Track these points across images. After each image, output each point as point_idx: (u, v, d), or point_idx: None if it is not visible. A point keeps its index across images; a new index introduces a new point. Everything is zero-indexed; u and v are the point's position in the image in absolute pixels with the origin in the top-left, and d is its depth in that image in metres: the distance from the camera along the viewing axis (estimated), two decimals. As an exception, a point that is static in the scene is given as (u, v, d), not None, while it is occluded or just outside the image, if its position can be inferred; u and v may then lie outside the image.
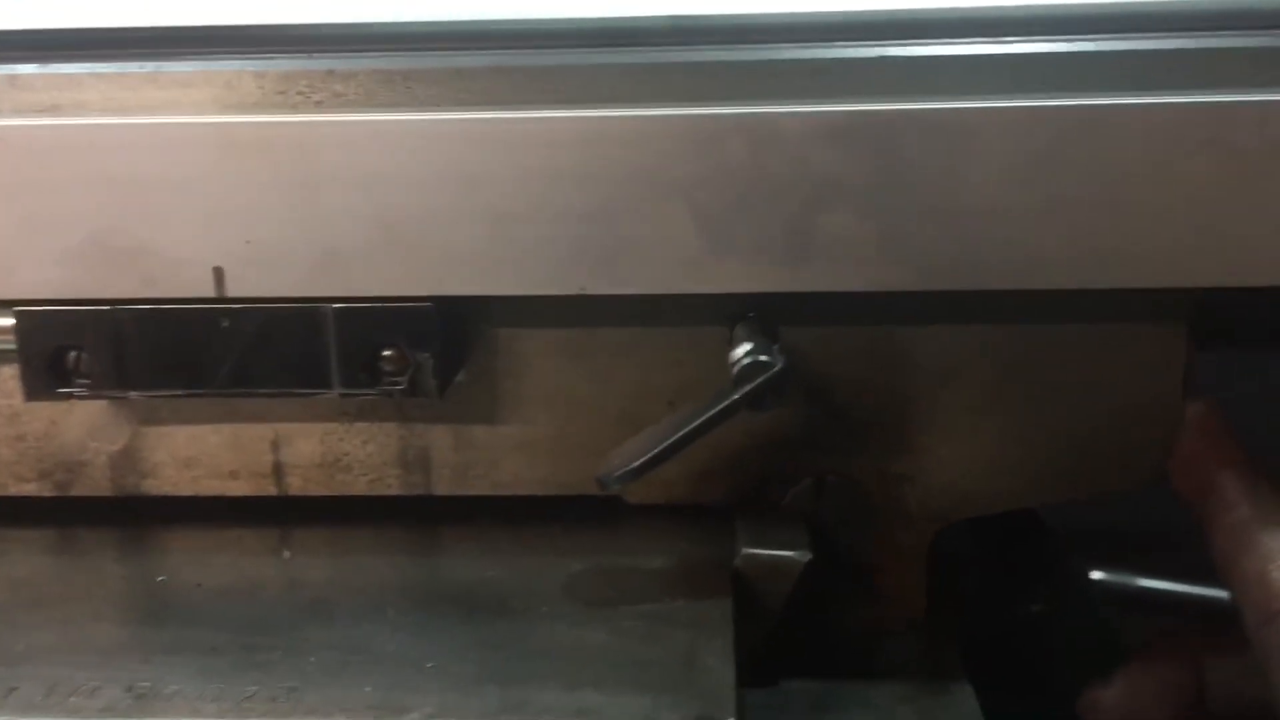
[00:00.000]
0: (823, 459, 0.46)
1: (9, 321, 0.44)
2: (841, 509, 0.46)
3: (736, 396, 0.39)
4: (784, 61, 0.43)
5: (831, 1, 0.47)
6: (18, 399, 0.47)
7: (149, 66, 0.45)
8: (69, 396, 0.44)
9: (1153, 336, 0.44)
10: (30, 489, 0.48)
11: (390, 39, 0.46)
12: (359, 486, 0.47)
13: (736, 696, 0.34)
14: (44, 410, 0.47)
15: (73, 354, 0.44)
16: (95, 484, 0.48)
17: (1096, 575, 0.67)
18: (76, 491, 0.48)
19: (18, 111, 0.44)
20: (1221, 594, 0.69)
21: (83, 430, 0.48)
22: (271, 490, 0.47)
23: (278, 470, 0.48)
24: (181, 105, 0.44)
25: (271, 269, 0.43)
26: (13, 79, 0.44)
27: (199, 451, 0.48)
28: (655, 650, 0.37)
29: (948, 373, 0.45)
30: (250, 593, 0.42)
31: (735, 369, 0.40)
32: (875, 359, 0.45)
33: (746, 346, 0.40)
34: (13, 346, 0.44)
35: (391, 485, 0.47)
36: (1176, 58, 0.43)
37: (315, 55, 0.45)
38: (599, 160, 0.42)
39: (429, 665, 0.37)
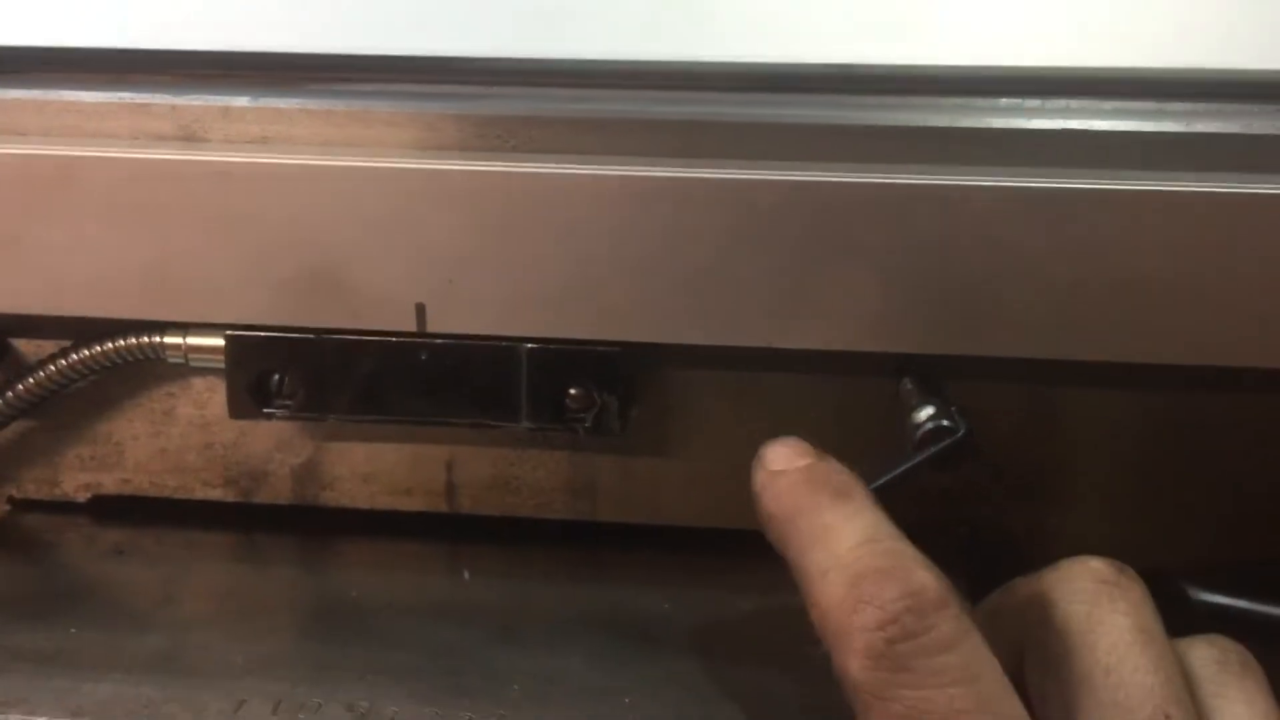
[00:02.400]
0: (976, 509, 0.49)
1: (218, 343, 0.47)
2: (992, 559, 0.49)
3: (920, 460, 0.43)
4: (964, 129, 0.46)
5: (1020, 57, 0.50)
6: (209, 410, 0.51)
7: (356, 104, 0.48)
8: (270, 416, 0.48)
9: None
10: (216, 494, 0.52)
11: (586, 75, 0.49)
12: (526, 509, 0.51)
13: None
14: (233, 422, 0.51)
15: (276, 377, 0.47)
16: (277, 493, 0.52)
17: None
18: (259, 499, 0.52)
19: (230, 142, 0.47)
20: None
21: (270, 442, 0.51)
22: (443, 508, 0.51)
23: (450, 489, 0.51)
24: (386, 144, 0.47)
25: (470, 308, 0.46)
26: (226, 110, 0.48)
27: (377, 468, 0.51)
28: (824, 693, 0.40)
29: (1104, 435, 0.48)
30: (438, 614, 0.45)
31: (919, 433, 0.43)
32: (1032, 417, 0.48)
33: (929, 410, 0.43)
34: (219, 366, 0.48)
35: (557, 509, 0.51)
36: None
37: (513, 96, 0.49)
38: (790, 222, 0.45)
39: (626, 700, 0.40)
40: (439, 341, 0.46)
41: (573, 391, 0.47)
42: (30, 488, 0.53)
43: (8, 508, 0.53)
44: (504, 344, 0.46)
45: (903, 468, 0.42)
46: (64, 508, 0.52)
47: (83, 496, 0.52)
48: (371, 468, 0.51)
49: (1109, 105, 0.49)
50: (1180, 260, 0.44)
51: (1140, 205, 0.44)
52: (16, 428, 0.51)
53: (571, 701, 0.40)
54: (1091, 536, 0.49)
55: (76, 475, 0.52)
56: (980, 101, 0.49)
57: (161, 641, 0.43)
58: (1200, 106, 0.49)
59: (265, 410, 0.47)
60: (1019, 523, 0.49)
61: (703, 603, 0.46)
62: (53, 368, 0.49)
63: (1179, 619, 0.60)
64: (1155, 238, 0.44)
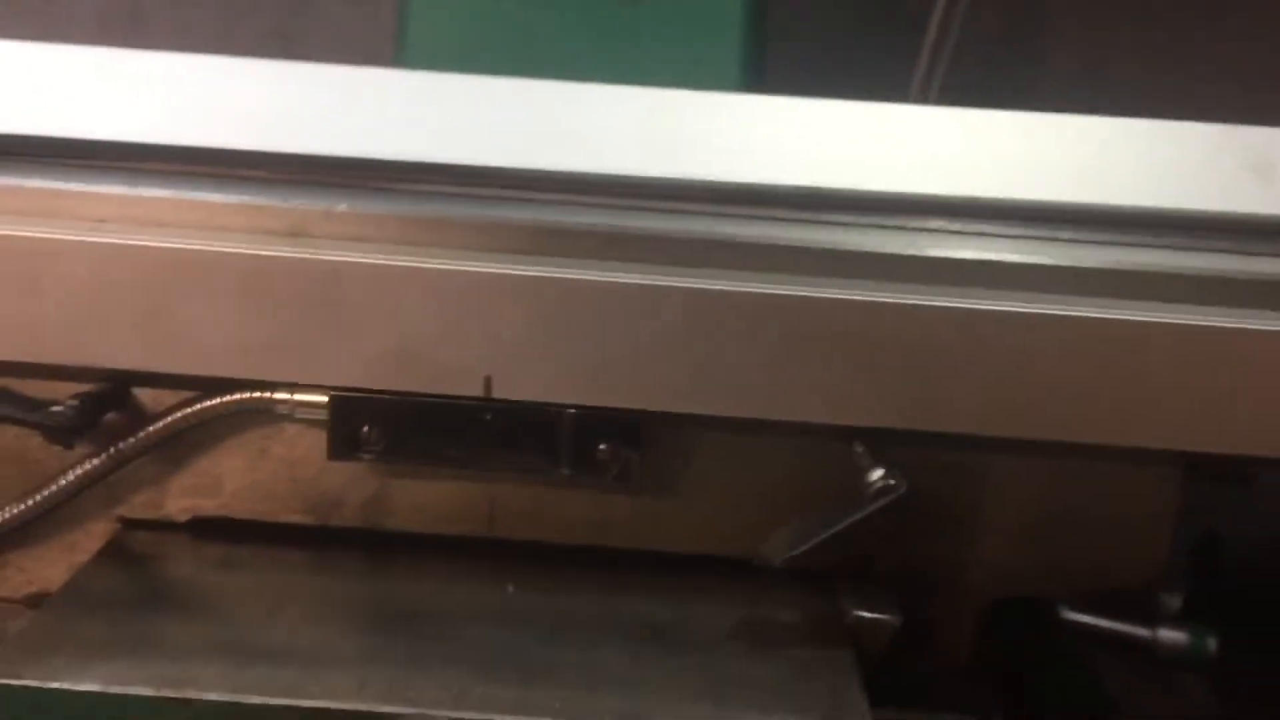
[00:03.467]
0: (906, 544, 0.64)
1: (320, 399, 0.60)
2: (911, 583, 0.64)
3: (871, 510, 0.57)
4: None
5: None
6: (296, 450, 0.63)
7: (429, 211, 0.61)
8: (360, 459, 0.60)
9: (1151, 475, 0.63)
10: (296, 518, 0.64)
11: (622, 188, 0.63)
12: (553, 535, 0.64)
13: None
14: (314, 460, 0.63)
15: (365, 428, 0.60)
16: (347, 518, 0.64)
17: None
18: (333, 523, 0.64)
19: (332, 239, 0.60)
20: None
21: (343, 478, 0.64)
22: (485, 532, 0.64)
23: (491, 518, 0.64)
24: (456, 246, 0.60)
25: (526, 380, 0.59)
26: (327, 214, 0.60)
27: (431, 499, 0.64)
28: (811, 686, 0.55)
29: (1002, 488, 0.63)
30: (503, 621, 0.58)
31: (872, 488, 0.58)
32: (949, 474, 0.63)
33: (880, 471, 0.58)
34: (316, 418, 0.60)
35: (579, 536, 0.64)
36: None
37: (549, 204, 0.62)
38: (770, 324, 0.59)
39: (652, 684, 0.54)
40: (501, 405, 0.59)
41: (602, 447, 0.60)
42: (138, 510, 0.64)
43: (119, 526, 0.64)
44: (552, 408, 0.59)
45: (860, 514, 0.57)
46: (168, 526, 0.64)
47: (184, 517, 0.64)
48: (425, 499, 0.64)
49: (1011, 231, 0.65)
50: (1058, 364, 0.59)
51: (1029, 323, 0.59)
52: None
53: (613, 687, 0.53)
54: (989, 566, 0.64)
55: (179, 500, 0.64)
56: (932, 224, 0.64)
57: (286, 633, 0.55)
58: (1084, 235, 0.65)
59: (356, 455, 0.60)
60: (939, 552, 0.64)
61: (705, 614, 0.60)
62: (178, 415, 0.60)
63: (1052, 637, 0.75)
64: (1044, 347, 0.59)
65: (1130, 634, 1.15)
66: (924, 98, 1.16)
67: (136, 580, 0.60)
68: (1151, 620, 1.08)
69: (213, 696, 0.50)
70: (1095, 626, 1.21)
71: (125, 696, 0.50)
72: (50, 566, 0.64)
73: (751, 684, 0.54)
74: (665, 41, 1.00)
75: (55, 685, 0.49)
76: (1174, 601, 1.19)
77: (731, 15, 1.00)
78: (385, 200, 0.61)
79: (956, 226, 0.66)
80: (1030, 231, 0.65)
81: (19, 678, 0.50)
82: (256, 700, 0.50)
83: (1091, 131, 0.69)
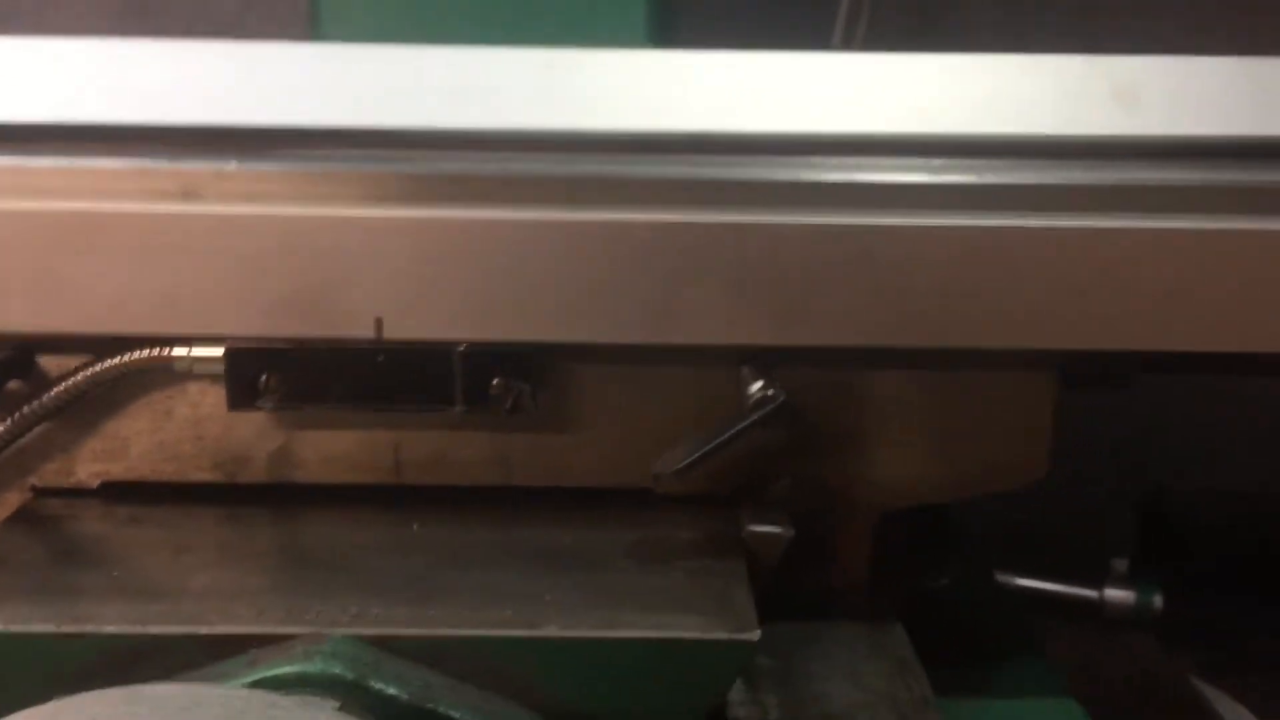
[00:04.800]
0: (798, 463, 0.66)
1: (217, 353, 0.62)
2: (810, 499, 0.66)
3: (752, 420, 0.59)
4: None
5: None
6: (201, 409, 0.65)
7: (318, 167, 0.63)
8: (259, 409, 0.62)
9: (1027, 380, 0.66)
10: (205, 476, 0.66)
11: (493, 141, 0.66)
12: (457, 478, 0.66)
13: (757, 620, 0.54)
14: (219, 417, 0.65)
15: (263, 378, 0.62)
16: (255, 474, 0.66)
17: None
18: (241, 479, 0.66)
19: (222, 198, 0.62)
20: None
21: (249, 433, 0.66)
22: (392, 480, 0.66)
23: (398, 465, 0.66)
24: (348, 198, 0.62)
25: (415, 320, 0.61)
26: (219, 173, 0.62)
27: (336, 450, 0.66)
28: (699, 591, 0.57)
29: (886, 403, 0.66)
30: (397, 552, 0.60)
31: (751, 400, 0.60)
32: (836, 393, 0.66)
33: (759, 384, 0.60)
34: (219, 371, 0.62)
35: (481, 478, 0.66)
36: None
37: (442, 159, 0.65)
38: (657, 254, 0.61)
39: (547, 598, 0.56)
40: (393, 346, 0.61)
41: (494, 381, 0.62)
42: (49, 478, 0.66)
43: (31, 495, 0.66)
44: (443, 346, 0.62)
45: (739, 426, 0.59)
46: (79, 493, 0.65)
47: (94, 483, 0.66)
48: (334, 450, 0.66)
49: (895, 162, 0.67)
50: (932, 273, 0.62)
51: (901, 235, 0.62)
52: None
53: (506, 603, 0.55)
54: (877, 478, 0.66)
55: (89, 465, 0.66)
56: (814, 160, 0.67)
57: (190, 575, 0.57)
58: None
59: (256, 404, 0.62)
60: (830, 473, 0.66)
61: (601, 539, 0.62)
62: (78, 378, 0.62)
63: (993, 599, 0.77)
64: (917, 257, 0.62)
65: (1075, 595, 1.18)
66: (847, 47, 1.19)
67: (44, 540, 0.62)
68: (1098, 581, 1.11)
69: (111, 629, 0.51)
70: (1041, 590, 1.24)
71: (27, 634, 0.51)
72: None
73: (643, 593, 0.56)
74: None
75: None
76: (1121, 564, 1.22)
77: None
78: (275, 161, 0.63)
79: (834, 161, 0.68)
80: (904, 161, 0.68)
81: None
82: (156, 630, 0.52)
83: (972, 68, 0.72)
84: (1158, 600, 1.16)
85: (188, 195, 0.62)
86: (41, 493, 0.65)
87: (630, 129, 0.68)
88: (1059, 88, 0.72)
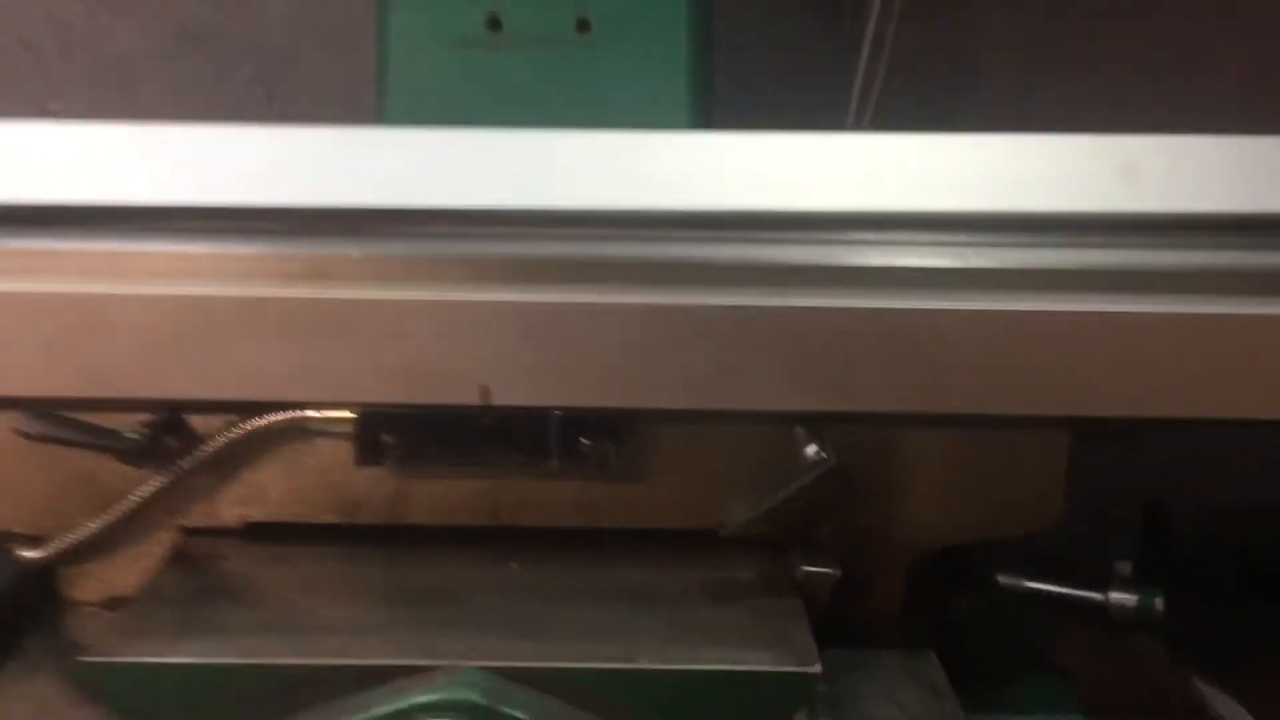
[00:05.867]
0: (841, 511, 0.77)
1: (349, 414, 0.72)
2: (851, 542, 0.76)
3: (808, 480, 0.70)
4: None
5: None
6: (327, 460, 0.76)
7: (426, 249, 0.73)
8: (383, 464, 0.73)
9: (1044, 438, 0.76)
10: (331, 519, 0.77)
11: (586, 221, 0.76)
12: (547, 520, 0.77)
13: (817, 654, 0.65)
14: (342, 467, 0.76)
15: (385, 437, 0.73)
16: (372, 516, 0.77)
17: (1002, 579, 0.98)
18: (360, 521, 0.77)
19: (347, 280, 0.72)
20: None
21: (368, 481, 0.76)
22: (491, 522, 0.77)
23: (495, 509, 0.77)
24: (455, 280, 0.73)
25: (518, 388, 0.72)
26: (344, 259, 0.73)
27: (443, 496, 0.77)
28: (765, 627, 0.67)
29: (919, 459, 0.76)
30: (510, 591, 0.71)
31: (808, 462, 0.70)
32: (875, 450, 0.76)
33: (814, 447, 0.71)
34: (349, 430, 0.73)
35: (569, 522, 0.77)
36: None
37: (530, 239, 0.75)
38: (717, 332, 0.72)
39: (635, 634, 0.66)
40: (497, 411, 0.72)
41: (583, 440, 0.73)
42: (198, 519, 0.77)
43: (181, 534, 0.76)
44: (539, 411, 0.72)
45: (799, 484, 0.70)
46: (223, 532, 0.76)
47: (237, 524, 0.76)
48: (441, 496, 0.76)
49: (917, 239, 0.77)
50: (960, 349, 0.72)
51: (933, 318, 0.72)
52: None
53: (602, 637, 0.66)
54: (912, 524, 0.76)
55: (233, 509, 0.76)
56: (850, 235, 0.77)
57: (328, 611, 0.68)
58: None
59: (382, 461, 0.72)
60: (869, 519, 0.77)
61: (668, 577, 0.72)
62: (229, 435, 0.73)
63: (989, 599, 0.87)
64: (947, 335, 0.72)
65: (1083, 598, 1.29)
66: (861, 119, 1.29)
67: (202, 578, 0.72)
68: (1104, 585, 1.22)
69: (281, 661, 0.62)
70: (1048, 592, 1.35)
71: (214, 665, 0.62)
72: (123, 572, 0.76)
73: (716, 630, 0.67)
74: (618, 76, 1.13)
75: (152, 660, 0.62)
76: (1125, 567, 1.32)
77: (677, 47, 1.12)
78: (389, 243, 0.73)
79: (870, 237, 0.78)
80: (930, 238, 0.78)
81: (118, 656, 0.62)
82: (316, 662, 0.62)
83: (983, 147, 0.82)
84: (1159, 603, 1.26)
85: (318, 277, 0.72)
86: (191, 532, 0.76)
87: (694, 208, 0.78)
88: (1065, 166, 0.82)
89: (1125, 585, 1.27)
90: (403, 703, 0.59)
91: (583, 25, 1.09)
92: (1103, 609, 1.24)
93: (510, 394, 0.72)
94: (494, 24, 1.10)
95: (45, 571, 0.76)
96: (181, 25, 1.58)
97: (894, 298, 0.72)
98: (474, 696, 0.59)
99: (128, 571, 0.76)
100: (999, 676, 0.77)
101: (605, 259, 0.74)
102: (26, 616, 0.76)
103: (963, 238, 0.78)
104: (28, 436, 0.70)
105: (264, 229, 0.75)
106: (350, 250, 0.73)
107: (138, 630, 0.64)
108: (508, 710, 0.59)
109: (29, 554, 0.75)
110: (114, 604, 0.75)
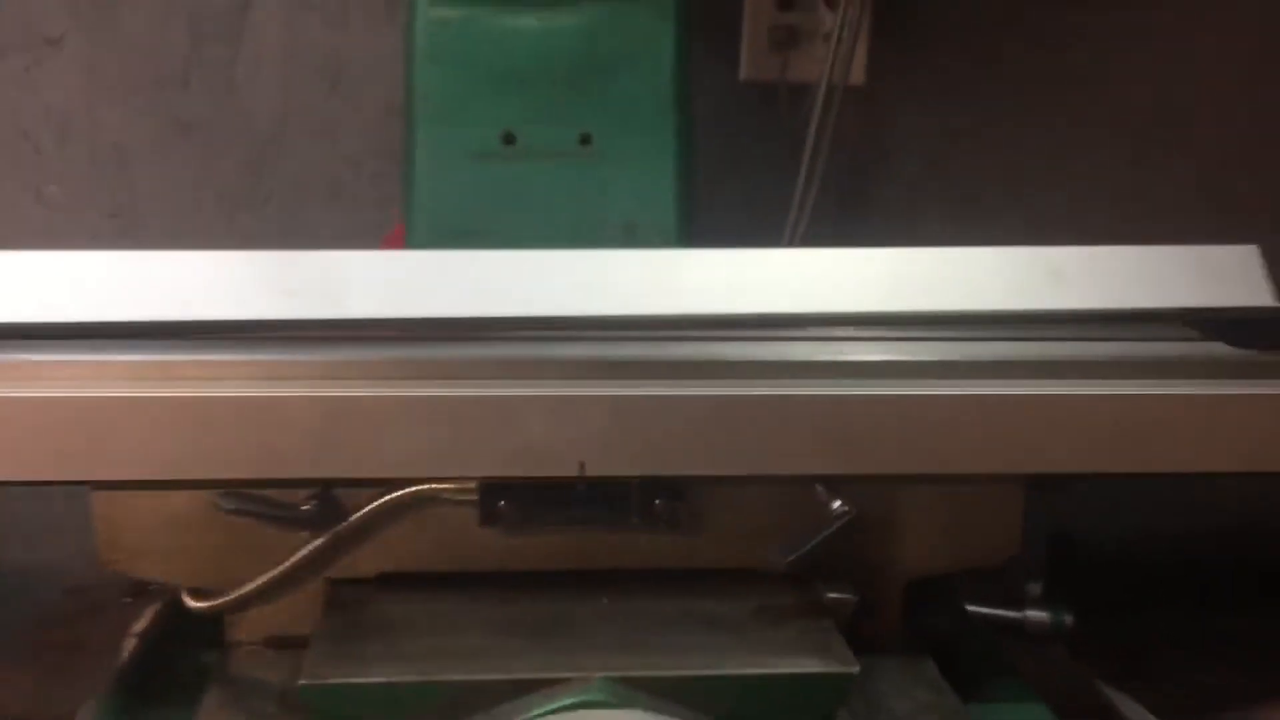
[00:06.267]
0: (848, 551, 1.00)
1: (472, 485, 0.93)
2: (859, 575, 1.00)
3: (835, 528, 0.93)
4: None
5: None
6: (449, 522, 0.96)
7: (525, 351, 0.95)
8: (500, 526, 0.94)
9: (1004, 489, 1.00)
10: (454, 567, 0.97)
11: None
12: (628, 563, 0.98)
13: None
14: (465, 528, 0.96)
15: (502, 503, 0.94)
16: (488, 565, 0.97)
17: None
18: (479, 569, 0.97)
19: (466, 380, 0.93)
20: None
21: (484, 539, 0.97)
22: (586, 565, 0.98)
23: (587, 555, 0.98)
24: (556, 376, 0.94)
25: (607, 461, 0.94)
26: (463, 361, 0.94)
27: (548, 546, 0.98)
28: (811, 641, 0.90)
29: (909, 508, 1.00)
30: (608, 618, 0.92)
31: (834, 513, 0.93)
32: (875, 501, 1.00)
33: (839, 501, 0.94)
34: (472, 499, 0.94)
35: (646, 564, 0.98)
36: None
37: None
38: (752, 414, 0.94)
39: (712, 651, 0.88)
40: (590, 480, 0.93)
41: (657, 502, 0.95)
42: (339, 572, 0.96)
43: (328, 585, 0.96)
44: (622, 479, 0.94)
45: (829, 531, 0.93)
46: (365, 582, 0.96)
47: (372, 574, 0.96)
48: (544, 546, 0.98)
49: (888, 334, 1.01)
50: (936, 424, 0.96)
51: (917, 401, 0.96)
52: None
53: (690, 652, 0.88)
54: (906, 559, 1.00)
55: (369, 563, 0.96)
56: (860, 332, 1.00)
57: (469, 638, 0.88)
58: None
59: (498, 524, 0.93)
60: (871, 555, 1.00)
61: (728, 606, 0.95)
62: (378, 504, 0.93)
63: (959, 625, 1.11)
64: (926, 413, 0.96)
65: (1005, 617, 1.55)
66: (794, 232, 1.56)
67: (360, 618, 0.91)
68: (1020, 605, 1.47)
69: (461, 677, 0.82)
70: (982, 613, 1.60)
71: (407, 683, 0.82)
72: (281, 616, 0.95)
73: (771, 643, 0.89)
74: (615, 183, 1.35)
75: (359, 681, 0.82)
76: (1036, 589, 1.57)
77: (666, 158, 1.35)
78: (500, 346, 0.95)
79: (859, 334, 1.02)
80: (904, 334, 1.02)
81: (331, 679, 0.82)
82: (481, 677, 0.83)
83: (930, 258, 1.07)
84: (1068, 619, 1.50)
85: (444, 378, 0.93)
86: (335, 583, 0.96)
87: (717, 312, 1.01)
88: (1005, 270, 1.07)
89: (1038, 604, 1.52)
90: (553, 704, 0.80)
91: (585, 139, 1.32)
92: (1020, 626, 1.49)
93: (601, 467, 0.93)
94: (509, 139, 1.32)
95: (213, 619, 0.95)
96: (174, 116, 1.76)
97: (885, 386, 0.95)
98: (611, 698, 0.81)
99: (283, 615, 0.95)
100: (975, 683, 1.01)
101: (663, 359, 0.96)
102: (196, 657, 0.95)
103: (930, 333, 1.03)
104: (225, 510, 0.89)
105: (398, 338, 0.95)
106: (469, 354, 0.94)
107: (336, 659, 0.84)
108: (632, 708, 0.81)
109: (198, 604, 0.94)
110: (275, 642, 0.94)
